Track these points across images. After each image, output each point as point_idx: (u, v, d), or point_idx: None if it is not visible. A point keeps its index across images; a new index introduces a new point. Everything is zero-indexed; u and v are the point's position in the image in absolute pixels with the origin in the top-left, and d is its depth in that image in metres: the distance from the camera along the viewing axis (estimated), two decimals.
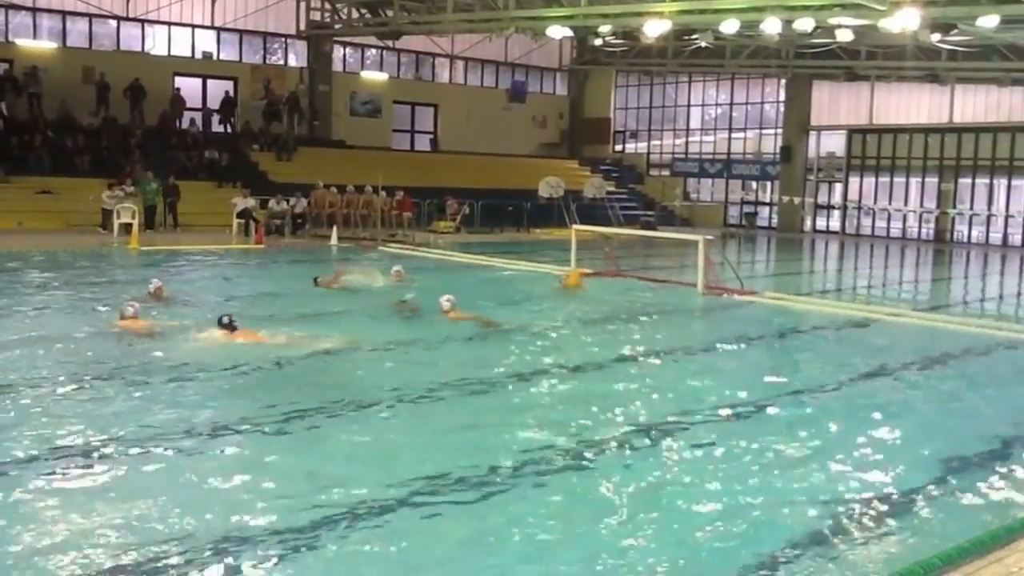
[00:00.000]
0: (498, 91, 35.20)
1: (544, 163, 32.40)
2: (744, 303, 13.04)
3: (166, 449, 5.59)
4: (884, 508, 5.02)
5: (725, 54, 29.29)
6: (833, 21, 20.17)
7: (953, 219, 28.61)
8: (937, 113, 28.93)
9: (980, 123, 27.99)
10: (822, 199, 31.71)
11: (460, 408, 6.97)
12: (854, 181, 30.99)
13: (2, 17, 25.71)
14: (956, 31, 20.66)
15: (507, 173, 29.85)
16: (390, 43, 30.30)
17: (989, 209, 28.11)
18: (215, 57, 28.84)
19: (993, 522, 4.74)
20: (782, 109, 32.21)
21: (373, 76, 32.01)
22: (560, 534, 4.57)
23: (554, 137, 36.66)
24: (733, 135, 34.01)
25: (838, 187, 31.49)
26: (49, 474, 5.08)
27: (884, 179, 30.23)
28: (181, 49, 28.24)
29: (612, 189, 30.59)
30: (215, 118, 27.41)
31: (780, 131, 32.15)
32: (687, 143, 35.46)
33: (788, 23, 19.48)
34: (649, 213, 30.33)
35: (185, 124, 26.56)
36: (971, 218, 28.47)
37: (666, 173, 35.30)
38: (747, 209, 33.43)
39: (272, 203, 22.54)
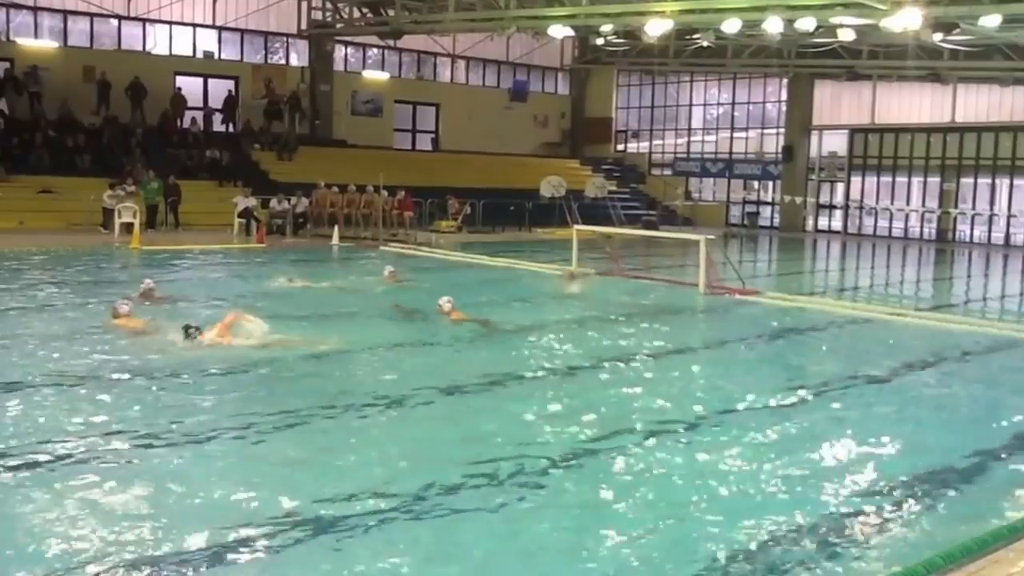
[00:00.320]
0: (499, 90, 35.18)
1: (546, 163, 32.39)
2: (746, 303, 13.01)
3: (166, 449, 5.58)
4: (887, 506, 5.00)
5: (727, 53, 29.26)
6: (835, 20, 20.17)
7: (955, 219, 28.57)
8: (939, 113, 28.89)
9: (982, 123, 27.95)
10: (824, 199, 31.68)
11: (460, 409, 6.95)
12: (856, 181, 30.95)
13: (3, 16, 25.71)
14: (958, 30, 20.65)
15: (508, 173, 29.83)
16: (391, 42, 30.28)
17: (991, 209, 28.07)
18: (216, 56, 28.84)
19: (996, 521, 4.72)
20: (784, 109, 32.17)
21: (374, 75, 32.00)
22: (563, 534, 4.55)
23: (556, 137, 36.64)
24: (735, 135, 33.97)
25: (840, 187, 31.45)
26: (38, 474, 5.07)
27: (886, 179, 30.20)
28: (182, 48, 28.23)
29: (614, 189, 30.53)
30: (217, 117, 27.42)
31: (782, 131, 32.12)
32: (689, 143, 35.43)
33: (790, 22, 19.47)
34: (651, 213, 30.29)
35: (186, 123, 26.55)
36: (973, 218, 28.43)
37: (668, 173, 35.26)
38: (749, 209, 33.40)
39: (273, 203, 22.54)
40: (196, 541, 4.24)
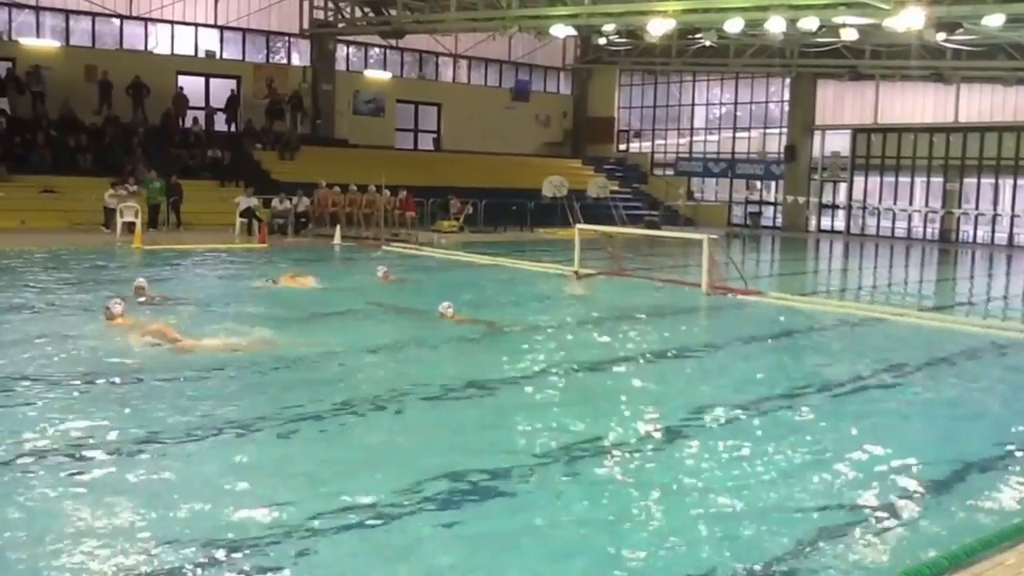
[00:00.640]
0: (501, 90, 35.15)
1: (548, 162, 32.35)
2: (749, 303, 12.97)
3: (164, 449, 5.55)
4: (891, 507, 4.98)
5: (729, 53, 29.22)
6: (838, 20, 20.12)
7: (958, 219, 28.50)
8: (942, 112, 28.83)
9: (985, 122, 27.89)
10: (827, 199, 31.63)
11: (462, 409, 6.91)
12: (859, 181, 30.89)
13: (5, 16, 25.72)
14: (961, 30, 20.58)
15: (510, 172, 29.79)
16: (393, 42, 30.26)
17: (994, 209, 28.01)
18: (218, 56, 28.82)
19: (1001, 522, 4.70)
20: (786, 108, 32.12)
21: (376, 75, 31.98)
22: (567, 535, 4.52)
23: (558, 136, 36.60)
24: (737, 134, 33.92)
25: (842, 187, 31.40)
26: (33, 473, 5.04)
27: (889, 179, 30.14)
28: (184, 48, 28.23)
29: (616, 188, 30.46)
30: (219, 117, 27.40)
31: (784, 130, 32.07)
32: (691, 142, 35.39)
33: (792, 22, 19.41)
34: (653, 212, 30.24)
35: (188, 123, 26.55)
36: (976, 218, 28.37)
37: (670, 172, 35.22)
38: (751, 209, 33.36)
39: (275, 202, 22.51)
40: (193, 543, 4.21)
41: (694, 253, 16.24)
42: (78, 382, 7.04)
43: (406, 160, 29.24)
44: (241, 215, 21.33)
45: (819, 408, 7.19)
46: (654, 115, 36.36)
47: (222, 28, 28.76)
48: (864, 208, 30.70)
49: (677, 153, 35.62)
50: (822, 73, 30.04)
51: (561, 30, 22.78)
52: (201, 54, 28.47)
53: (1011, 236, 27.54)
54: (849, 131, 30.84)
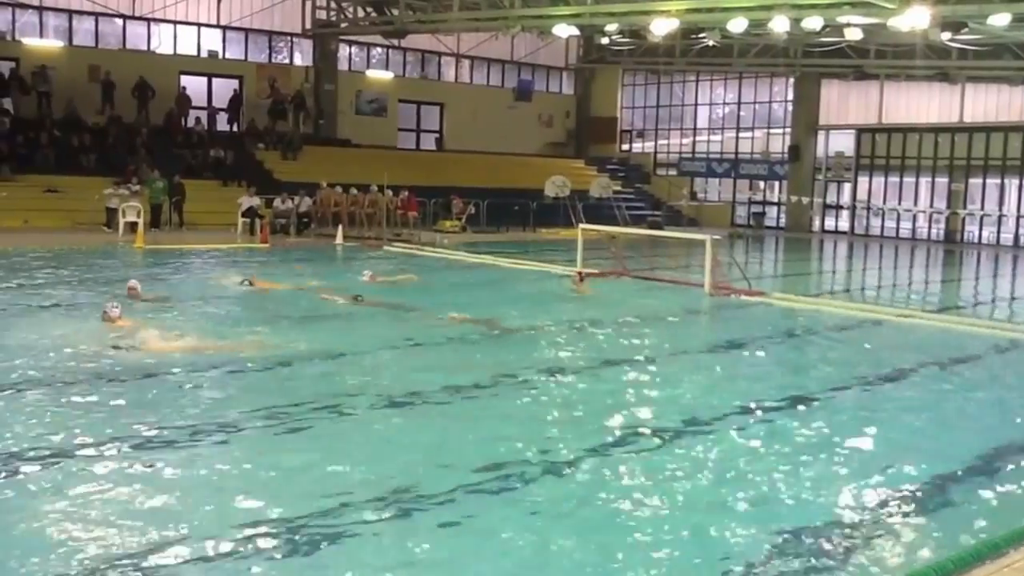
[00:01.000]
0: (504, 90, 35.10)
1: (550, 162, 32.27)
2: (752, 304, 12.91)
3: (166, 449, 5.50)
4: (897, 510, 4.94)
5: (733, 53, 29.13)
6: (842, 19, 20.04)
7: (963, 220, 28.39)
8: (947, 112, 28.72)
9: (991, 122, 27.78)
10: (831, 199, 31.54)
11: (462, 410, 6.85)
12: (863, 181, 30.80)
13: (9, 16, 25.74)
14: (967, 29, 20.47)
15: (513, 172, 29.74)
16: (396, 42, 30.23)
17: (1000, 209, 27.90)
18: (221, 56, 28.81)
19: (1008, 524, 4.64)
20: (790, 108, 32.04)
21: (378, 75, 31.95)
22: (572, 536, 4.48)
23: (560, 136, 36.55)
24: (741, 134, 33.84)
25: (847, 187, 31.31)
26: (26, 474, 4.99)
27: (893, 179, 30.04)
28: (187, 48, 28.24)
29: (619, 188, 30.39)
30: (222, 116, 27.40)
31: (788, 130, 31.97)
32: (694, 142, 35.31)
33: (796, 21, 19.35)
34: (656, 213, 30.17)
35: (191, 123, 26.54)
36: (982, 218, 28.25)
37: (673, 172, 35.14)
38: (755, 209, 33.27)
39: (277, 202, 22.49)
40: (192, 543, 4.15)
41: (697, 254, 16.17)
42: (64, 381, 6.98)
43: (408, 160, 29.21)
44: (243, 215, 21.31)
45: (822, 409, 7.14)
46: (657, 115, 36.29)
47: (225, 28, 28.75)
48: (868, 209, 30.60)
49: (680, 153, 35.54)
50: (826, 73, 29.95)
51: (564, 30, 22.72)
52: (204, 54, 28.47)
53: (1016, 237, 27.44)
54: (853, 131, 30.75)
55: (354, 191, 23.85)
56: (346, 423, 6.34)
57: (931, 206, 29.25)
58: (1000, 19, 17.84)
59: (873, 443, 6.13)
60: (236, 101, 27.63)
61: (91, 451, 5.43)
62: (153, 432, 5.80)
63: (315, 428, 6.14)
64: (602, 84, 36.93)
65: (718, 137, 34.72)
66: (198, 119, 26.69)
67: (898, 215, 29.91)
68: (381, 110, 31.68)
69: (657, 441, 6.10)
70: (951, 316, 12.79)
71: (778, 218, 32.71)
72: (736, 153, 33.77)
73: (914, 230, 29.63)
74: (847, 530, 4.62)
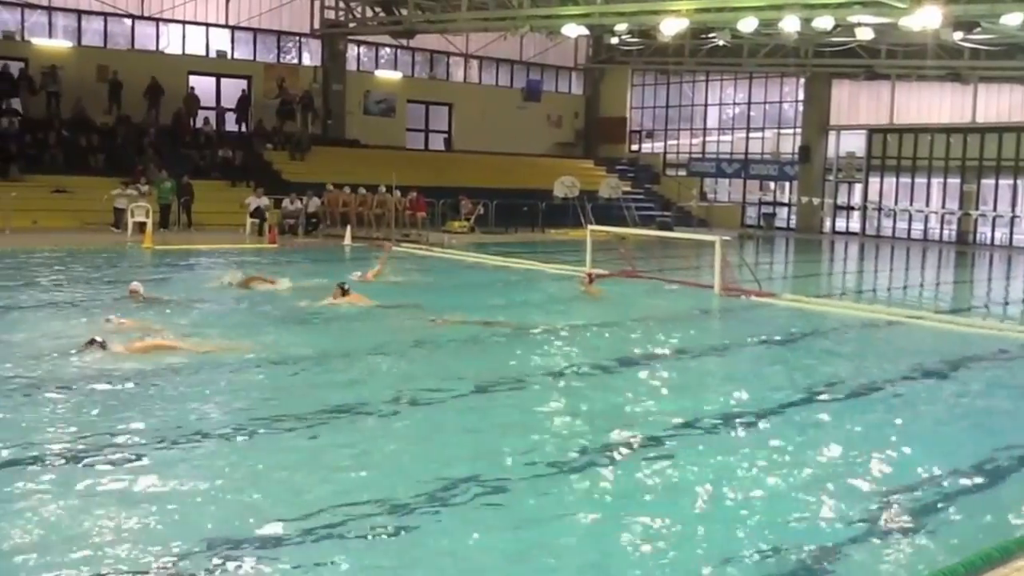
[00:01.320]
0: (513, 90, 35.05)
1: (559, 163, 32.22)
2: (762, 305, 12.81)
3: (166, 451, 5.44)
4: (908, 513, 4.91)
5: (743, 53, 28.99)
6: (853, 19, 19.90)
7: (975, 221, 28.17)
8: (959, 113, 28.51)
9: (1004, 123, 27.56)
10: (841, 200, 31.35)
11: (463, 411, 6.78)
12: (874, 181, 30.61)
13: (18, 16, 25.81)
14: (979, 29, 20.32)
15: (522, 173, 29.68)
16: (404, 42, 30.20)
17: (1013, 211, 27.67)
18: (229, 56, 28.85)
19: (1020, 528, 4.62)
20: (801, 108, 31.87)
21: (387, 75, 31.94)
22: (573, 536, 4.43)
23: (569, 137, 36.48)
24: (751, 135, 33.68)
25: (858, 188, 31.13)
26: (30, 477, 4.96)
27: (905, 180, 29.84)
28: (195, 48, 28.27)
29: (628, 189, 30.34)
30: (230, 117, 27.43)
31: (799, 131, 31.81)
32: (704, 143, 35.17)
33: (807, 21, 19.22)
34: (665, 213, 30.09)
35: (199, 123, 26.57)
36: (994, 220, 28.03)
37: (683, 173, 35.02)
38: (765, 210, 33.11)
39: (286, 202, 22.48)
40: (190, 547, 4.10)
41: (707, 254, 16.09)
42: (65, 382, 6.94)
43: (417, 160, 29.17)
44: (251, 215, 21.31)
45: (834, 412, 7.08)
46: (667, 115, 36.16)
47: (233, 28, 28.78)
48: (880, 209, 30.40)
49: (690, 153, 35.41)
50: (837, 73, 29.77)
51: (573, 30, 22.65)
52: (212, 54, 28.50)
53: None
54: (864, 131, 30.57)
55: (362, 191, 23.84)
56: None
57: (943, 207, 29.05)
58: (1013, 19, 17.67)
59: (883, 446, 6.05)
60: (244, 101, 27.65)
61: (87, 454, 5.39)
62: (142, 438, 5.74)
63: (324, 431, 6.09)
64: (611, 84, 36.83)
65: (728, 137, 34.58)
66: (206, 119, 26.72)
67: (910, 216, 29.70)
68: (389, 110, 31.67)
69: (669, 442, 6.03)
70: (964, 318, 12.66)
71: (788, 219, 32.54)
72: (746, 154, 33.61)
73: (926, 231, 29.42)
74: (857, 534, 4.57)
